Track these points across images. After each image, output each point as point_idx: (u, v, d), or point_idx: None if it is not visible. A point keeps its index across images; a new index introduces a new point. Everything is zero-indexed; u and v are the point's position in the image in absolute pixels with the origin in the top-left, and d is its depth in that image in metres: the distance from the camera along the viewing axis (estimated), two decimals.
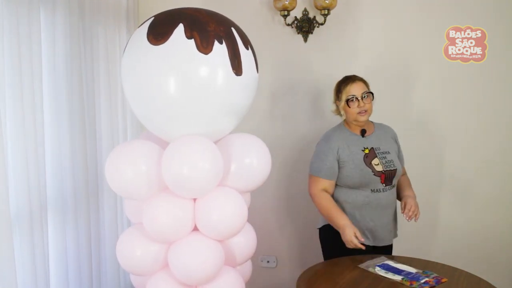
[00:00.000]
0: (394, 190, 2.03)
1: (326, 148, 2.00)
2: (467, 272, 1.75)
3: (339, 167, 1.98)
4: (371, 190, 1.96)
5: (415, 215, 1.96)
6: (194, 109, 1.52)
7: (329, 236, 2.02)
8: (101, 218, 2.26)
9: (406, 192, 2.06)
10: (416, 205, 1.99)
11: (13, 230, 1.63)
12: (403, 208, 1.98)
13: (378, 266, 1.77)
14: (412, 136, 2.49)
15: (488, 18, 2.30)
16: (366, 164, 1.95)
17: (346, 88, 1.96)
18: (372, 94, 1.98)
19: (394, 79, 2.50)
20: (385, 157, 1.99)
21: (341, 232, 1.87)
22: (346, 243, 1.85)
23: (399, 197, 2.08)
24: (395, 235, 2.11)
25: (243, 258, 1.73)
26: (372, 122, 2.09)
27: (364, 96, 1.95)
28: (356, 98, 1.94)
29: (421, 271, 1.72)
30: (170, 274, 1.59)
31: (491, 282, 1.67)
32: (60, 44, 1.92)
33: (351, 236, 1.82)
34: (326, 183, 2.00)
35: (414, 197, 2.04)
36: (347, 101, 1.96)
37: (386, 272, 1.71)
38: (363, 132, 2.02)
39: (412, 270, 1.73)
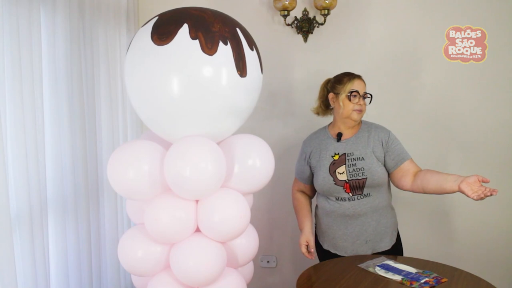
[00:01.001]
0: (369, 199, 1.89)
1: (301, 151, 2.07)
2: (467, 272, 1.75)
3: (312, 172, 2.01)
4: (336, 198, 1.92)
5: (489, 192, 1.62)
6: (197, 110, 1.52)
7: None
8: (101, 218, 2.26)
9: (450, 179, 1.72)
10: (478, 184, 1.66)
11: (13, 230, 1.63)
12: (480, 181, 1.66)
13: (378, 266, 1.77)
14: (412, 136, 2.49)
15: (488, 18, 2.31)
16: (330, 172, 1.91)
17: (352, 82, 1.91)
18: (371, 97, 1.95)
19: (394, 79, 2.51)
20: (354, 165, 1.89)
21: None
22: (299, 246, 1.95)
23: (444, 191, 1.76)
24: (391, 245, 1.96)
25: (245, 259, 1.73)
26: (362, 122, 2.01)
27: (364, 96, 1.94)
28: (359, 94, 1.91)
29: (421, 271, 1.72)
30: (171, 275, 1.59)
31: (491, 282, 1.68)
32: (60, 44, 1.92)
33: (301, 244, 1.95)
34: (301, 185, 2.09)
35: (460, 178, 1.71)
36: (350, 93, 1.90)
37: (386, 272, 1.71)
38: (338, 136, 1.96)
39: (412, 270, 1.73)
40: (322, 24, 2.49)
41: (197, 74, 1.47)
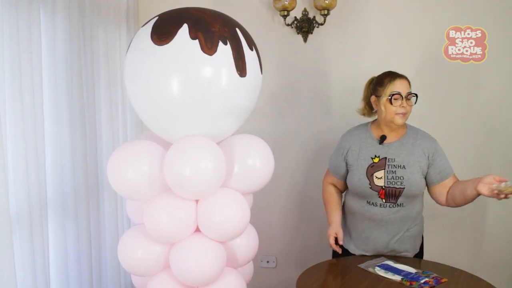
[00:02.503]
0: (401, 209, 1.84)
1: (339, 146, 1.98)
2: (466, 272, 1.76)
3: (348, 169, 1.93)
4: (367, 201, 1.86)
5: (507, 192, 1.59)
6: (197, 110, 1.51)
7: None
8: (101, 218, 2.26)
9: (469, 184, 1.70)
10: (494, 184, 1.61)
11: (13, 230, 1.63)
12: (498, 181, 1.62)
13: (378, 266, 1.77)
14: None
15: (488, 18, 2.31)
16: (367, 175, 1.83)
17: (393, 83, 1.79)
18: (417, 96, 1.83)
19: None
20: (394, 172, 1.81)
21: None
22: (326, 237, 1.89)
23: (469, 198, 1.75)
24: (413, 254, 1.92)
25: (245, 259, 1.73)
26: (407, 126, 1.91)
27: (408, 98, 1.80)
28: (401, 96, 1.78)
29: (420, 271, 1.72)
30: (171, 275, 1.58)
31: (491, 282, 1.67)
32: (60, 44, 1.92)
33: (331, 235, 1.88)
34: (334, 179, 2.02)
35: (477, 180, 1.68)
36: (392, 96, 1.78)
37: (385, 272, 1.71)
38: (382, 139, 1.86)
39: (412, 270, 1.73)
40: (322, 24, 2.49)
41: (197, 74, 1.47)
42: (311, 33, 2.54)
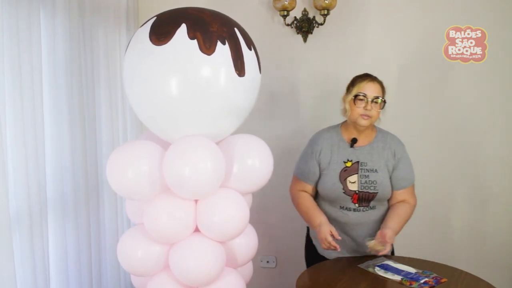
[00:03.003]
0: (372, 212, 1.86)
1: (308, 149, 1.91)
2: (466, 272, 1.75)
3: (320, 173, 1.87)
4: (340, 206, 1.84)
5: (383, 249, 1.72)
6: (196, 110, 1.51)
7: (308, 235, 2.02)
8: (101, 218, 2.26)
9: (391, 223, 1.78)
10: (389, 240, 1.72)
11: (12, 230, 1.63)
12: (379, 238, 1.74)
13: (378, 266, 1.77)
14: (412, 137, 2.49)
15: (488, 18, 2.31)
16: (340, 180, 1.81)
17: (361, 84, 1.78)
18: (385, 102, 1.80)
19: (394, 79, 2.50)
20: (367, 176, 1.81)
21: (317, 231, 1.78)
22: (320, 242, 1.76)
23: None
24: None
25: (245, 259, 1.73)
26: (376, 129, 1.91)
27: (374, 101, 1.78)
28: (365, 98, 1.77)
29: (420, 271, 1.72)
30: (171, 275, 1.58)
31: (491, 282, 1.67)
32: (60, 44, 1.92)
33: (326, 234, 1.73)
34: (305, 186, 1.92)
35: (396, 231, 1.78)
36: (355, 97, 1.78)
37: (385, 272, 1.71)
38: (352, 142, 1.84)
39: (412, 270, 1.73)
40: (321, 24, 2.49)
41: (195, 74, 1.47)
42: (311, 33, 2.54)
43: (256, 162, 1.65)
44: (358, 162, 1.83)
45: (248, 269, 1.84)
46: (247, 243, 1.72)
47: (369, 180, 1.81)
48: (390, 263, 1.80)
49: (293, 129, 2.65)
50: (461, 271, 1.76)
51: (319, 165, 1.87)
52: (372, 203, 1.85)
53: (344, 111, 1.87)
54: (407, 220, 1.86)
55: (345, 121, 1.92)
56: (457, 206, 2.53)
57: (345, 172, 1.82)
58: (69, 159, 1.98)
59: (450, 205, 2.54)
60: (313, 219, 1.83)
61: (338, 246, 1.73)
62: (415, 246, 2.48)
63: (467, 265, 2.02)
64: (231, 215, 1.55)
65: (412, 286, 1.61)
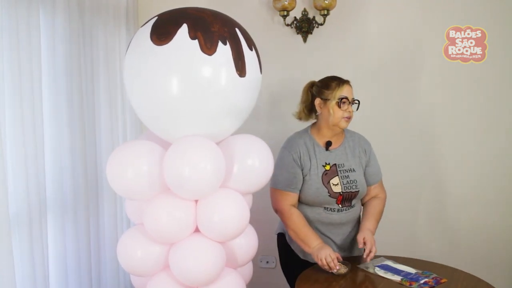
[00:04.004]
0: (353, 210, 1.89)
1: (290, 159, 1.86)
2: (466, 273, 1.75)
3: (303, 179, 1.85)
4: (324, 208, 1.85)
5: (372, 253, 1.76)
6: (196, 110, 1.51)
7: (285, 243, 1.98)
8: (100, 218, 2.26)
9: (367, 224, 1.84)
10: (373, 242, 1.78)
11: (12, 230, 1.63)
12: (362, 244, 1.77)
13: (378, 266, 1.77)
14: (411, 137, 2.49)
15: (488, 18, 2.30)
16: (324, 183, 1.83)
17: (341, 87, 1.81)
18: (359, 103, 1.85)
19: (394, 79, 2.50)
20: (347, 176, 1.85)
21: (314, 254, 1.74)
22: (321, 265, 1.71)
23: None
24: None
25: (244, 259, 1.73)
26: (345, 130, 1.93)
27: (353, 103, 1.84)
28: (348, 101, 1.82)
29: (420, 271, 1.72)
30: (170, 275, 1.58)
31: (491, 282, 1.67)
32: (60, 44, 1.92)
33: (333, 258, 1.69)
34: (292, 197, 1.85)
35: (373, 231, 1.84)
36: (340, 100, 1.80)
37: (385, 273, 1.71)
38: (327, 145, 1.87)
39: (412, 270, 1.73)
40: (321, 24, 2.49)
41: (196, 74, 1.47)
42: (311, 33, 2.54)
43: (256, 162, 1.65)
44: (335, 164, 1.87)
45: (248, 269, 1.84)
46: (247, 243, 1.72)
47: (350, 180, 1.86)
48: (390, 263, 1.80)
49: (293, 129, 2.64)
50: (461, 272, 1.76)
51: (302, 170, 1.86)
52: (353, 202, 1.89)
53: (301, 115, 1.95)
54: (381, 216, 1.94)
55: (313, 125, 1.94)
56: (457, 206, 2.53)
57: (327, 176, 1.85)
58: (68, 159, 1.98)
59: (450, 205, 2.54)
60: (310, 240, 1.78)
61: (338, 267, 1.70)
62: (415, 246, 2.49)
63: (467, 265, 2.02)
64: (231, 215, 1.55)
65: (412, 286, 1.61)
